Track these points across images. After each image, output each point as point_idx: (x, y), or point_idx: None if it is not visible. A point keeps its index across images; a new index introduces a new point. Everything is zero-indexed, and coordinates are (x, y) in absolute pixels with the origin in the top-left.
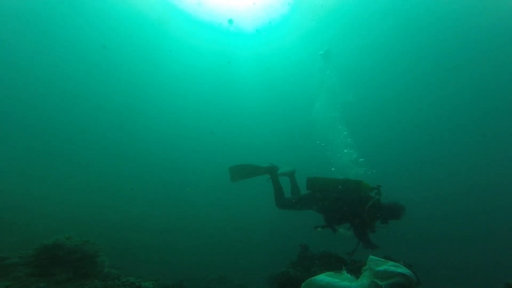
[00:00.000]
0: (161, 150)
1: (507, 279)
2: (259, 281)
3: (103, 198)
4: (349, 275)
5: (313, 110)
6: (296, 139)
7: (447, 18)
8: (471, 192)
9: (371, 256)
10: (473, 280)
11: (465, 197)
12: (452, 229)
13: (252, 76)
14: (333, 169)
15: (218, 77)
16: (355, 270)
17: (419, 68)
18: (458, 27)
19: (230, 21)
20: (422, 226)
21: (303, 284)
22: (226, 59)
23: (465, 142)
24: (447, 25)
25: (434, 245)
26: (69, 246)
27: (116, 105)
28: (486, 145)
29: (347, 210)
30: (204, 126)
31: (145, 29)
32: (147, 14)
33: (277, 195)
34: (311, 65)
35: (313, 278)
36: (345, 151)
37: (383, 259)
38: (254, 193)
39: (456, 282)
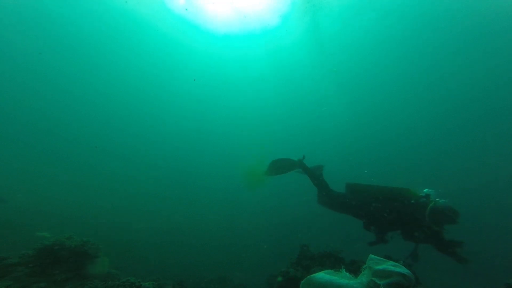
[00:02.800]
0: (163, 151)
1: (507, 279)
2: (259, 281)
3: (103, 198)
4: (348, 274)
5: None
6: (296, 138)
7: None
8: (470, 190)
9: (371, 255)
10: (473, 280)
11: (464, 194)
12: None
13: (250, 76)
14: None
15: (216, 78)
16: (354, 270)
17: (418, 65)
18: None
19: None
20: None
21: (302, 281)
22: (225, 59)
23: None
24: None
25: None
26: (69, 246)
27: (116, 106)
28: (482, 145)
29: (405, 219)
30: (205, 127)
31: (147, 32)
32: (143, 13)
33: (318, 190)
34: (308, 65)
35: (312, 275)
36: None
37: (383, 258)
38: (254, 193)
39: (455, 282)
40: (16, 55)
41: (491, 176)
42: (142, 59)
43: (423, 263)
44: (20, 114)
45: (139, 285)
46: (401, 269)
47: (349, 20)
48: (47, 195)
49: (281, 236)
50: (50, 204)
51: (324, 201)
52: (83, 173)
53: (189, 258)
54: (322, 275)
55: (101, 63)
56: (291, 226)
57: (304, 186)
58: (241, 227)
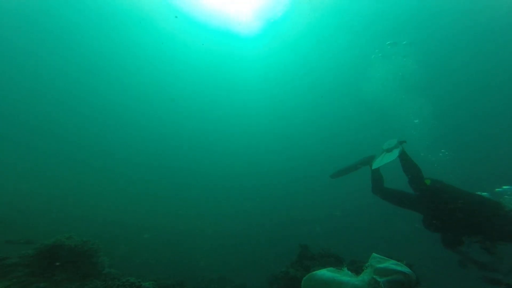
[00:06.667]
0: (163, 150)
1: (507, 279)
2: (259, 281)
3: (104, 198)
4: (349, 272)
5: None
6: (298, 139)
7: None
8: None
9: (373, 254)
10: (473, 280)
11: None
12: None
13: (252, 76)
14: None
15: (218, 77)
16: (354, 270)
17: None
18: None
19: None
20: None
21: (304, 278)
22: (226, 60)
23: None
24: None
25: (435, 244)
26: (69, 246)
27: (115, 105)
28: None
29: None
30: (206, 127)
31: (146, 30)
32: (143, 13)
33: (375, 182)
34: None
35: (314, 272)
36: None
37: (385, 257)
38: (254, 194)
39: (455, 282)
40: (16, 55)
41: (491, 174)
42: (145, 60)
43: (423, 263)
44: (20, 113)
45: (139, 285)
46: (402, 268)
47: None
48: (47, 195)
49: (281, 236)
50: (50, 203)
51: (385, 190)
52: (83, 172)
53: (189, 258)
54: (324, 272)
55: (106, 64)
56: (291, 226)
57: (303, 187)
58: (242, 227)
